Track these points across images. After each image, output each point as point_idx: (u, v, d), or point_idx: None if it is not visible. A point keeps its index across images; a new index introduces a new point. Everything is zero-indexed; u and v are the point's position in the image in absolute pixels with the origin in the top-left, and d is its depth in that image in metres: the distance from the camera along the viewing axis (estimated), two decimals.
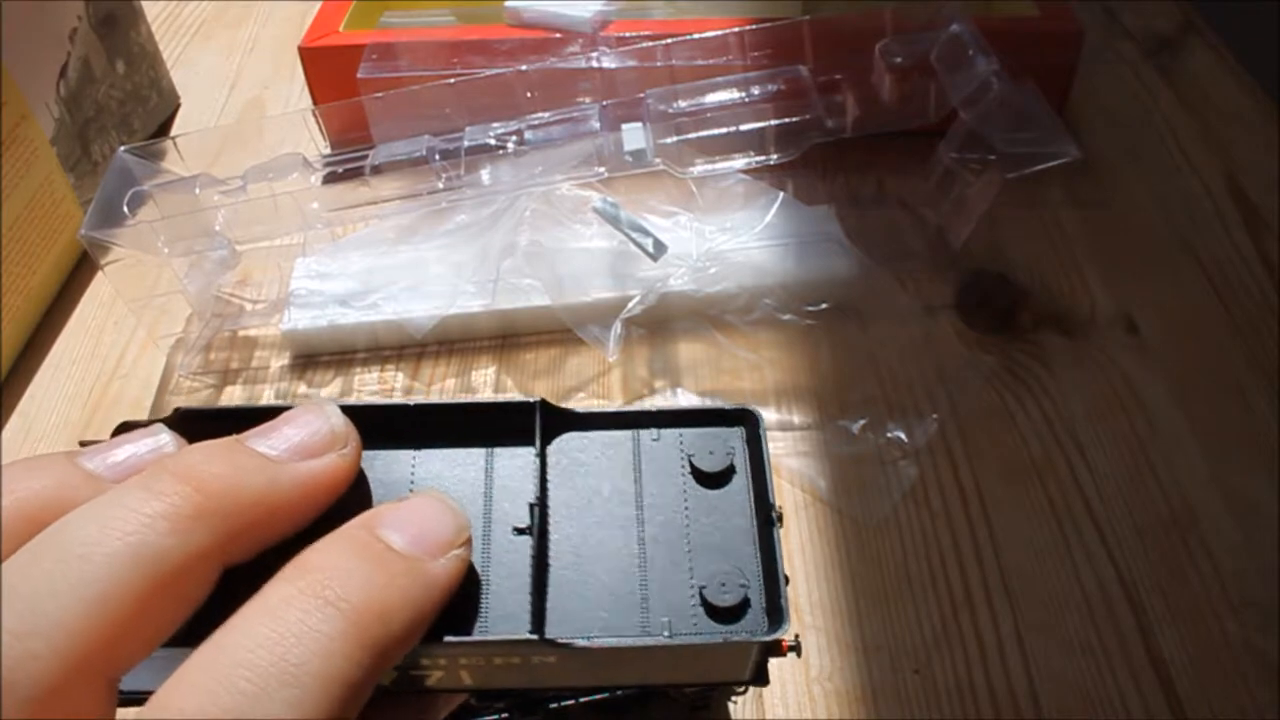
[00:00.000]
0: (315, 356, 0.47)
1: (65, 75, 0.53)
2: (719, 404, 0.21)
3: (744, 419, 0.21)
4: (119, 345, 0.49)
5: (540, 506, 0.20)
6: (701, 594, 0.19)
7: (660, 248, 0.45)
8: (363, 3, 0.59)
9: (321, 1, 0.59)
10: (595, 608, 0.19)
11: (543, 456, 0.21)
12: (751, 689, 0.33)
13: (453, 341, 0.47)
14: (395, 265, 0.48)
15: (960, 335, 0.46)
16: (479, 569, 0.19)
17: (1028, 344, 0.46)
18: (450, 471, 0.21)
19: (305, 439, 0.18)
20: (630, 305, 0.45)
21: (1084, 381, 0.44)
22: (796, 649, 0.20)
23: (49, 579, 0.15)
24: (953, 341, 0.46)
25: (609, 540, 0.20)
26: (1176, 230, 0.51)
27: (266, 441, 0.18)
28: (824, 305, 0.47)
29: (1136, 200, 0.53)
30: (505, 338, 0.47)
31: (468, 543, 0.18)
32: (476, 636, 0.19)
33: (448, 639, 0.18)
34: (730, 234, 0.47)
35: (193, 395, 0.46)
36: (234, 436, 0.18)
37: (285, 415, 0.19)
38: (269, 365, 0.47)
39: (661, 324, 0.47)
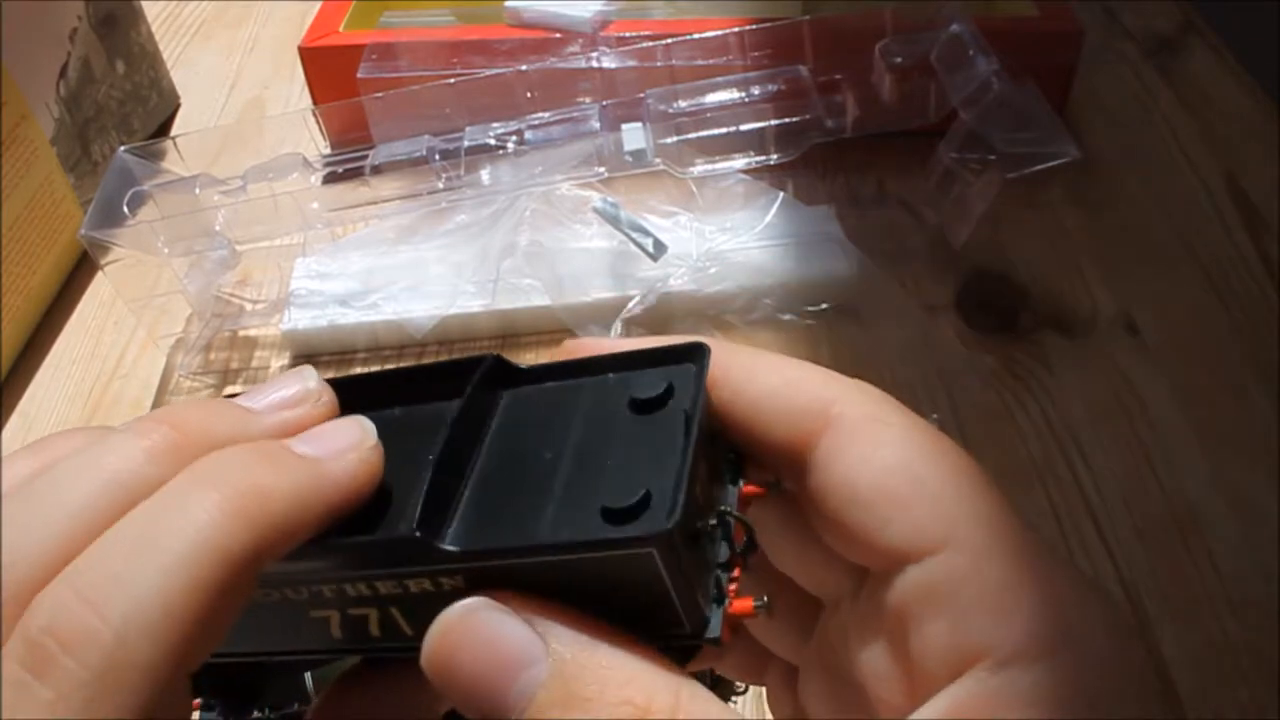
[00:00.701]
0: (315, 356, 0.47)
1: (65, 75, 0.53)
2: (670, 341, 0.20)
3: (693, 353, 0.20)
4: (119, 345, 0.49)
5: (459, 424, 0.20)
6: (603, 507, 0.18)
7: (660, 248, 0.45)
8: (363, 3, 0.59)
9: (321, 1, 0.59)
10: (494, 530, 0.19)
11: (480, 401, 0.21)
12: (752, 689, 0.33)
13: (453, 341, 0.47)
14: (395, 265, 0.48)
15: (960, 335, 0.46)
16: None
17: (1028, 344, 0.46)
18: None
19: (282, 395, 0.20)
20: (630, 305, 0.45)
21: (1084, 381, 0.44)
22: (766, 607, 0.18)
23: (41, 504, 0.17)
24: (953, 341, 0.46)
25: (527, 473, 0.20)
26: (1176, 230, 0.51)
27: (248, 399, 0.20)
28: (824, 305, 0.47)
29: (1136, 200, 0.53)
30: (505, 338, 0.47)
31: (375, 449, 0.19)
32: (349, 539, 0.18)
33: (321, 543, 0.18)
34: (730, 234, 0.47)
35: (193, 395, 0.46)
36: (218, 397, 0.20)
37: (267, 380, 0.20)
38: (269, 365, 0.47)
39: (661, 324, 0.47)
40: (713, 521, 0.19)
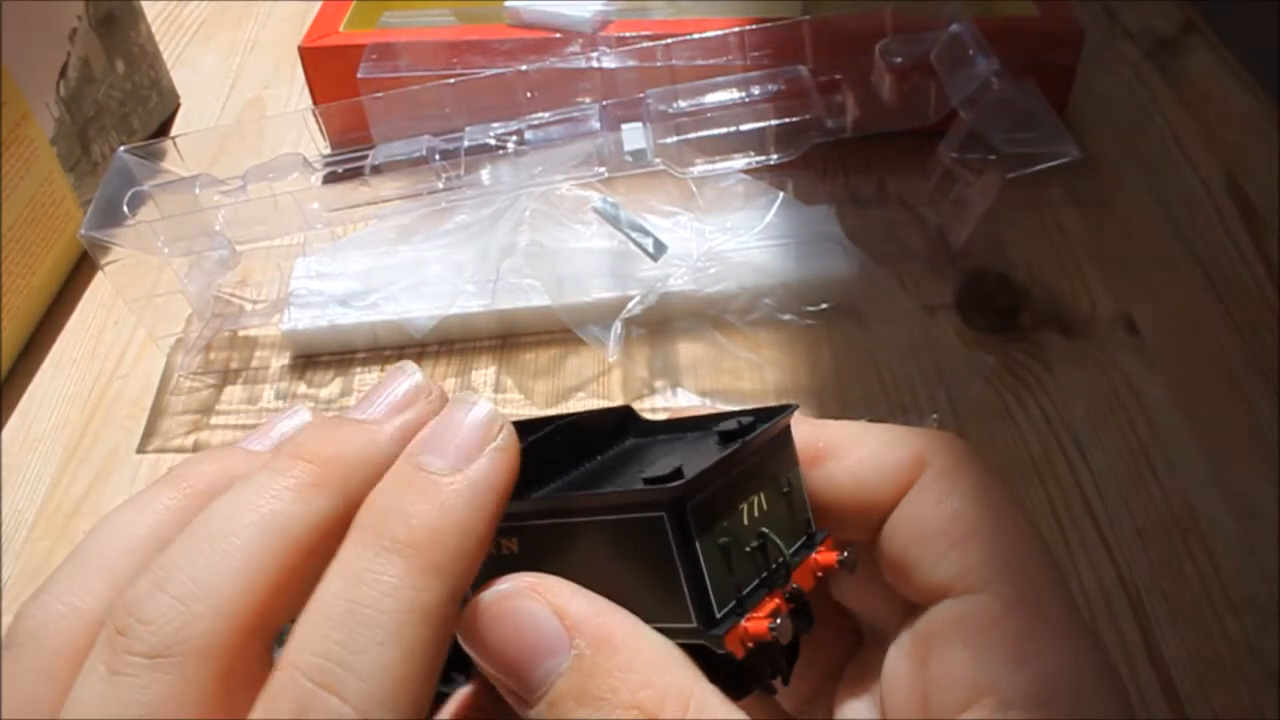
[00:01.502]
0: (315, 356, 0.47)
1: (65, 75, 0.53)
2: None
3: (787, 409, 0.22)
4: (119, 345, 0.49)
5: (567, 429, 0.22)
6: (641, 476, 0.19)
7: (660, 248, 0.45)
8: (363, 3, 0.59)
9: (321, 1, 0.59)
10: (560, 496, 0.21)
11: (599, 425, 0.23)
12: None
13: (453, 341, 0.47)
14: (395, 265, 0.48)
15: (960, 335, 0.46)
16: None
17: (1028, 344, 0.46)
18: None
19: (394, 398, 0.20)
20: (630, 305, 0.45)
21: (1084, 381, 0.44)
22: (850, 564, 0.20)
23: (203, 554, 0.17)
24: (953, 341, 0.46)
25: (612, 472, 0.22)
26: (1176, 230, 0.51)
27: (360, 411, 0.20)
28: (824, 305, 0.47)
29: (1136, 200, 0.53)
30: (505, 338, 0.47)
31: (505, 428, 0.19)
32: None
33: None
34: (730, 234, 0.47)
35: (193, 395, 0.46)
36: (333, 415, 0.21)
37: (374, 385, 0.21)
38: (269, 365, 0.47)
39: (661, 324, 0.47)
40: (755, 543, 0.20)
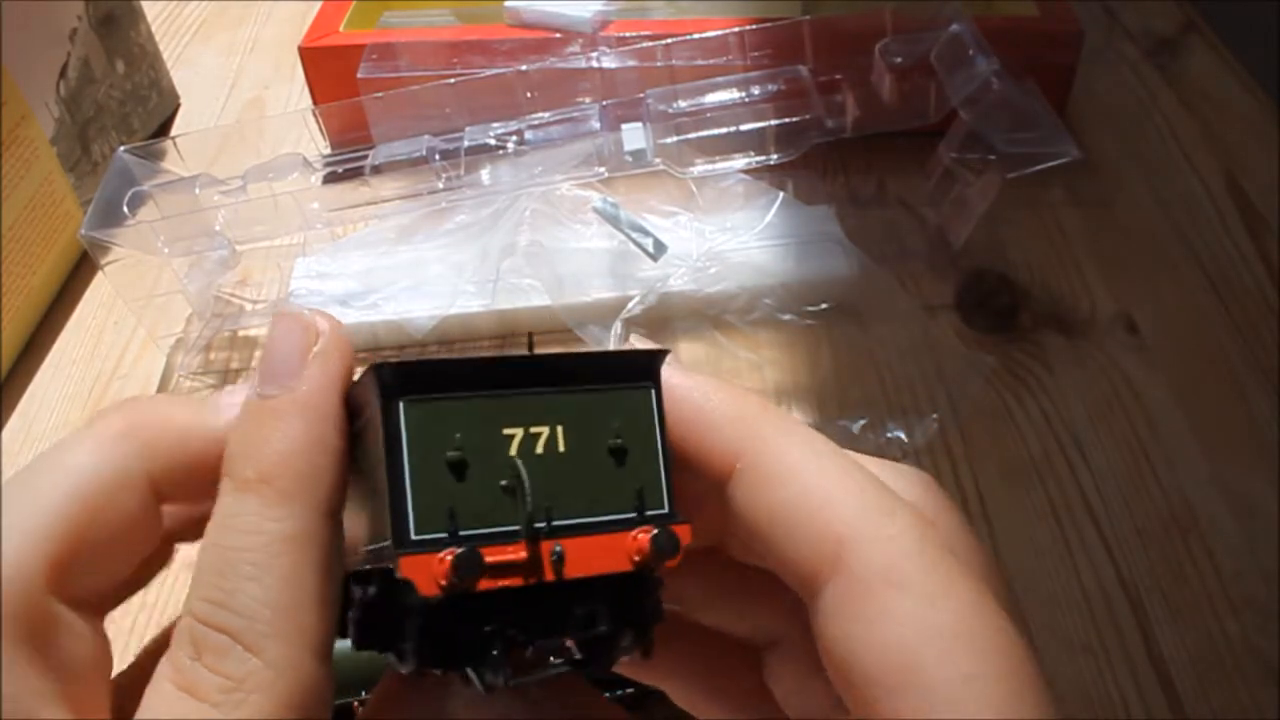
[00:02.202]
0: None
1: (65, 75, 0.53)
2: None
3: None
4: (119, 345, 0.49)
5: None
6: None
7: (660, 248, 0.45)
8: (363, 3, 0.59)
9: (321, 1, 0.59)
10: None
11: None
12: None
13: (453, 341, 0.47)
14: (395, 265, 0.48)
15: (960, 335, 0.46)
16: None
17: (1028, 344, 0.46)
18: None
19: (288, 357, 0.19)
20: (630, 305, 0.45)
21: (1084, 381, 0.44)
22: (658, 554, 0.17)
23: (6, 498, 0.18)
24: (953, 341, 0.46)
25: None
26: (1176, 230, 0.51)
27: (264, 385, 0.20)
28: (824, 305, 0.47)
29: (1136, 200, 0.53)
30: (505, 338, 0.47)
31: (324, 333, 0.18)
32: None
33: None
34: (730, 234, 0.47)
35: (192, 395, 0.46)
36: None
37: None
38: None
39: (661, 324, 0.47)
40: (504, 482, 0.17)
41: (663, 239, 0.45)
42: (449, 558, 0.16)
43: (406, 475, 0.16)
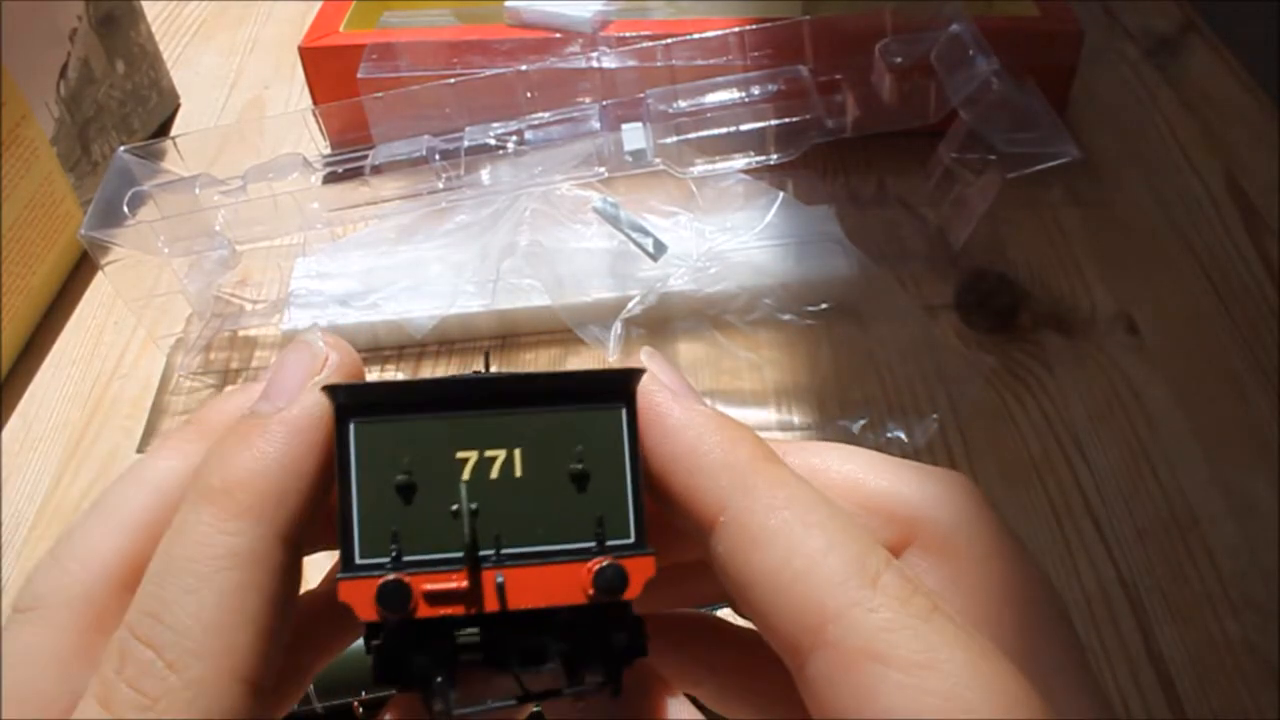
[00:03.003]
0: None
1: (65, 75, 0.53)
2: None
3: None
4: (119, 345, 0.49)
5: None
6: None
7: (660, 248, 0.45)
8: (363, 3, 0.59)
9: (321, 1, 0.59)
10: None
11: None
12: None
13: (453, 341, 0.47)
14: (395, 265, 0.48)
15: (960, 335, 0.46)
16: None
17: (1028, 344, 0.46)
18: None
19: (293, 373, 0.19)
20: (630, 305, 0.45)
21: (1084, 381, 0.44)
22: (603, 589, 0.16)
23: (87, 511, 0.18)
24: (953, 341, 0.46)
25: None
26: (1176, 230, 0.51)
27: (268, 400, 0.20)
28: (824, 305, 0.47)
29: (1136, 200, 0.53)
30: (505, 338, 0.47)
31: (330, 361, 0.18)
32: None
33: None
34: (730, 234, 0.47)
35: (193, 395, 0.46)
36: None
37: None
38: (269, 365, 0.47)
39: (661, 324, 0.47)
40: (455, 507, 0.16)
41: (663, 239, 0.45)
42: (384, 586, 0.15)
43: (354, 498, 0.16)
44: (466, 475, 0.16)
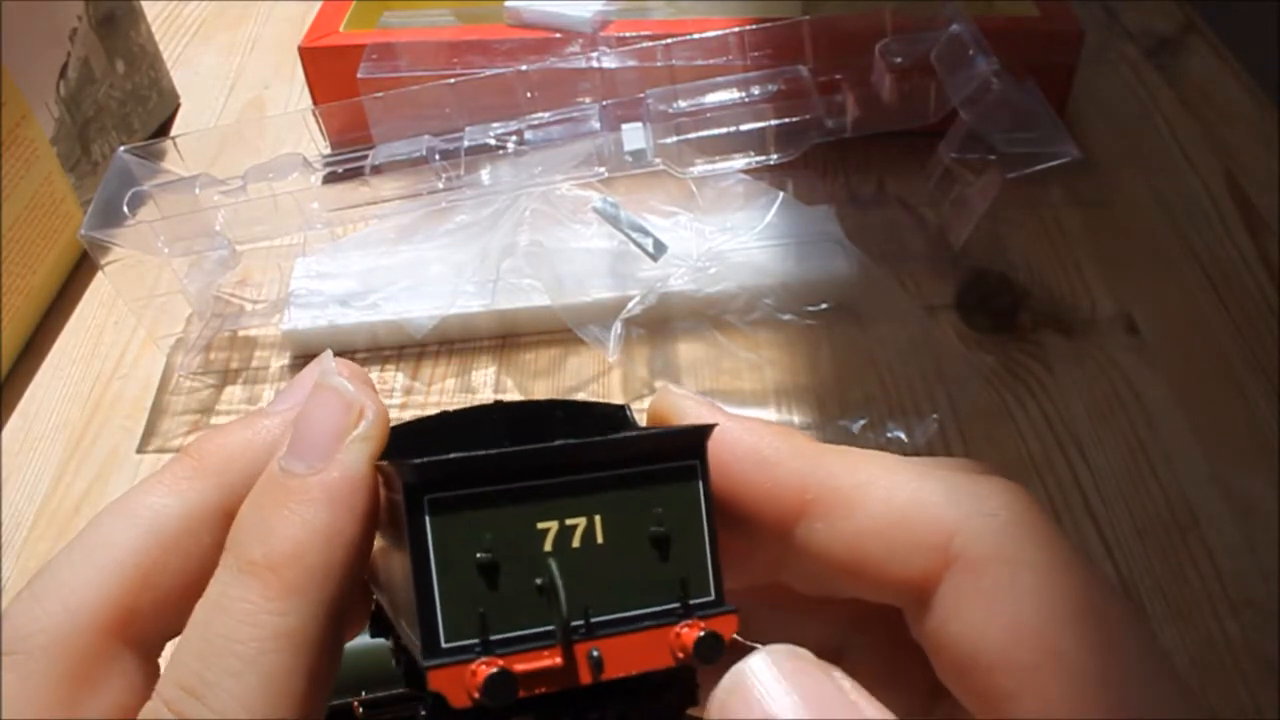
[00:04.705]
0: (315, 356, 0.47)
1: (65, 75, 0.53)
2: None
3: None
4: (119, 345, 0.49)
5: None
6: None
7: (660, 248, 0.45)
8: (363, 3, 0.59)
9: (321, 1, 0.59)
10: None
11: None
12: None
13: (453, 341, 0.47)
14: (395, 265, 0.48)
15: (960, 335, 0.46)
16: None
17: (1028, 344, 0.46)
18: None
19: (301, 389, 0.19)
20: (630, 305, 0.45)
21: (1084, 381, 0.44)
22: (705, 654, 0.16)
23: (71, 549, 0.17)
24: (953, 341, 0.46)
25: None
26: (1176, 230, 0.51)
27: (273, 404, 0.19)
28: (824, 305, 0.47)
29: (1136, 200, 0.53)
30: (505, 338, 0.47)
31: (368, 414, 0.17)
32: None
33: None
34: (730, 234, 0.47)
35: (193, 395, 0.46)
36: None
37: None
38: (269, 365, 0.47)
39: (661, 324, 0.47)
40: (540, 580, 0.15)
41: (663, 239, 0.45)
42: (481, 673, 0.15)
43: (435, 583, 0.15)
44: (549, 546, 0.15)
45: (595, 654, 0.15)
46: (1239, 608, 0.36)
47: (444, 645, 0.15)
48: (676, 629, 0.16)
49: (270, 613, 0.15)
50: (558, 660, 0.15)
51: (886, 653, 0.18)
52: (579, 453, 0.16)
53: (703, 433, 0.17)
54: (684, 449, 0.17)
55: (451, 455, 0.15)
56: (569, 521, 0.16)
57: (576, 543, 0.16)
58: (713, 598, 0.16)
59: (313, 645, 0.15)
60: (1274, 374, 0.44)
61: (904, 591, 0.17)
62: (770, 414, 0.43)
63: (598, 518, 0.16)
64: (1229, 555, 0.38)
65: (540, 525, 0.15)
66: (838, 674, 0.15)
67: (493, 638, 0.15)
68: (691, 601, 0.16)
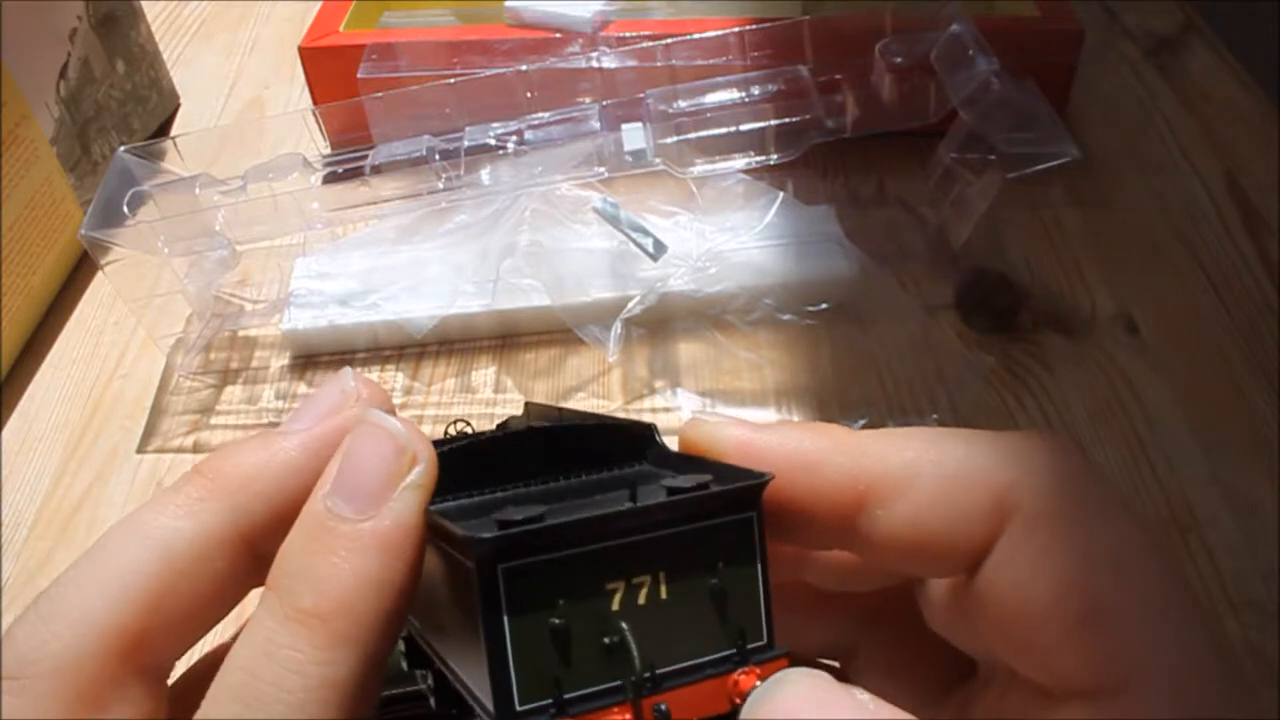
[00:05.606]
0: (315, 356, 0.47)
1: (65, 75, 0.53)
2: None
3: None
4: (119, 345, 0.49)
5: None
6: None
7: (660, 248, 0.45)
8: (363, 3, 0.59)
9: (321, 1, 0.59)
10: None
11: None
12: None
13: (453, 341, 0.47)
14: (395, 265, 0.48)
15: (960, 335, 0.46)
16: None
17: (1028, 344, 0.46)
18: None
19: (318, 408, 0.18)
20: (630, 305, 0.45)
21: (1084, 381, 0.44)
22: None
23: (77, 570, 0.16)
24: (953, 341, 0.46)
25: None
26: (1176, 230, 0.51)
27: (289, 423, 0.19)
28: (824, 305, 0.47)
29: (1136, 200, 0.53)
30: (505, 338, 0.47)
31: (420, 460, 0.17)
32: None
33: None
34: (730, 234, 0.47)
35: (193, 395, 0.46)
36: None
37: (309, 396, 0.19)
38: (269, 365, 0.47)
39: (661, 324, 0.47)
40: (608, 640, 0.16)
41: (663, 239, 0.45)
42: None
43: (509, 648, 0.15)
44: (617, 606, 0.16)
45: (663, 708, 0.16)
46: (1239, 608, 0.36)
47: (519, 709, 0.15)
48: (734, 676, 0.16)
49: (319, 663, 0.15)
50: (627, 717, 0.16)
51: (898, 649, 0.19)
52: (647, 515, 0.16)
53: (759, 488, 0.17)
54: (742, 502, 0.17)
55: (526, 527, 0.15)
56: (635, 580, 0.16)
57: (642, 600, 0.16)
58: (765, 642, 0.17)
59: (358, 695, 0.15)
60: (1274, 374, 0.44)
61: (967, 560, 0.17)
62: (770, 414, 0.43)
63: (661, 574, 0.16)
64: (1229, 555, 0.38)
65: (609, 586, 0.16)
66: (858, 692, 0.15)
67: (566, 695, 0.15)
68: (748, 647, 0.17)
